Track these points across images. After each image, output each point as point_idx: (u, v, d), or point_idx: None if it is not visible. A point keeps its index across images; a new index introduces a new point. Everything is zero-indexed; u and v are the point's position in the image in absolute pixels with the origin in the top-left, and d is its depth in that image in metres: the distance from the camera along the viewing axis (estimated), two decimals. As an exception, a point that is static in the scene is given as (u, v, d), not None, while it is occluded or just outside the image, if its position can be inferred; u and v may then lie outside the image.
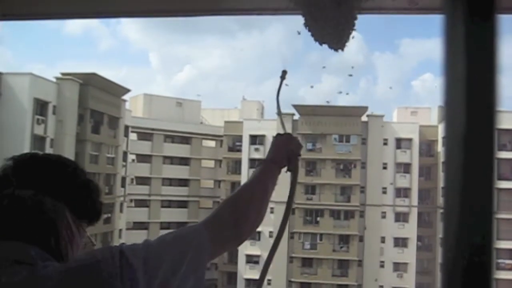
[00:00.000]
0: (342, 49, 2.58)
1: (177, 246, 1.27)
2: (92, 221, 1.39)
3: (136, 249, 1.21)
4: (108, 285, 1.13)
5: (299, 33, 2.53)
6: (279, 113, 2.25)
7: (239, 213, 1.48)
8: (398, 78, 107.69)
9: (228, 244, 1.49)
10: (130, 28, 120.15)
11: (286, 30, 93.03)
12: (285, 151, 1.76)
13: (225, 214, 1.47)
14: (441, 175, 48.86)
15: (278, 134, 1.85)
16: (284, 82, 2.06)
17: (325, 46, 2.55)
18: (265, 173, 1.69)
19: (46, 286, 1.12)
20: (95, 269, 1.15)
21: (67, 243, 1.29)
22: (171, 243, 1.27)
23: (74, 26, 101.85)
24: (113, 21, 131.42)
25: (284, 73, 2.03)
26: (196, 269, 1.26)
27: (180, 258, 1.24)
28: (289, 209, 1.84)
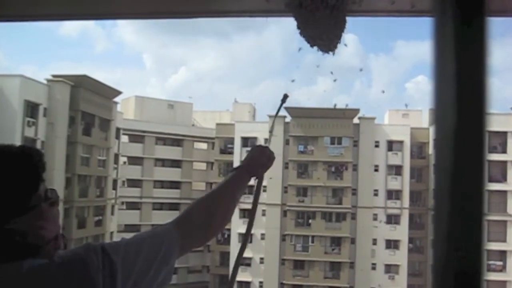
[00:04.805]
0: (333, 52, 2.59)
1: (152, 243, 1.44)
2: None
3: (116, 246, 1.36)
4: (91, 279, 1.25)
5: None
6: (271, 130, 2.39)
7: (207, 215, 1.65)
8: (392, 80, 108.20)
9: (195, 243, 1.65)
10: (126, 30, 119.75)
11: (282, 33, 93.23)
12: (259, 161, 1.91)
13: (195, 215, 1.63)
14: (432, 177, 49.05)
15: (255, 145, 1.99)
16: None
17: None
18: (236, 179, 1.84)
19: (33, 282, 1.23)
20: (79, 265, 1.26)
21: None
22: (146, 240, 1.44)
23: (70, 27, 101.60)
24: (109, 23, 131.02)
25: (285, 96, 2.18)
26: (167, 263, 1.44)
27: (154, 254, 1.41)
28: (253, 215, 1.98)
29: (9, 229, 1.25)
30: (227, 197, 1.75)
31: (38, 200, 1.32)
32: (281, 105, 2.20)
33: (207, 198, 1.73)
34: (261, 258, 50.01)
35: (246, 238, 1.98)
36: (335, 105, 52.33)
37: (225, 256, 50.77)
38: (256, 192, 1.95)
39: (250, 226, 1.98)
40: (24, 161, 1.33)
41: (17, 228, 1.26)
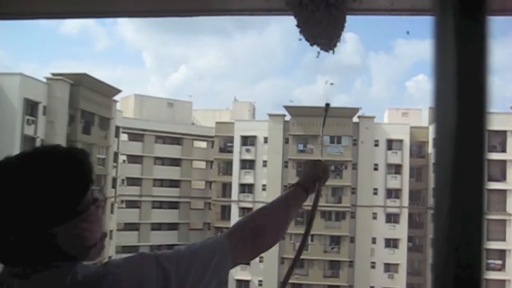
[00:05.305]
0: (333, 50, 2.59)
1: (204, 255, 1.42)
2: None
3: (169, 256, 1.35)
4: None
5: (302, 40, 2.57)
6: (322, 143, 2.42)
7: (257, 229, 1.63)
8: (392, 78, 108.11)
9: (245, 256, 1.65)
10: (126, 29, 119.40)
11: (283, 31, 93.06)
12: (313, 176, 1.92)
13: (245, 228, 1.63)
14: (431, 176, 49.05)
15: (308, 160, 2.00)
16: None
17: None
18: (292, 196, 1.85)
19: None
20: (135, 275, 1.27)
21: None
22: (198, 251, 1.42)
23: (70, 26, 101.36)
24: (109, 21, 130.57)
25: (327, 105, 2.21)
26: (219, 274, 1.42)
27: (206, 264, 1.40)
28: (310, 224, 2.00)
29: (58, 234, 1.24)
30: (279, 213, 1.76)
31: (86, 204, 1.31)
32: (325, 115, 2.19)
33: (259, 212, 1.73)
34: (260, 257, 50.10)
35: (302, 243, 2.00)
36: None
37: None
38: (314, 203, 1.96)
39: (306, 235, 2.00)
40: (76, 166, 1.31)
41: (66, 233, 1.25)
